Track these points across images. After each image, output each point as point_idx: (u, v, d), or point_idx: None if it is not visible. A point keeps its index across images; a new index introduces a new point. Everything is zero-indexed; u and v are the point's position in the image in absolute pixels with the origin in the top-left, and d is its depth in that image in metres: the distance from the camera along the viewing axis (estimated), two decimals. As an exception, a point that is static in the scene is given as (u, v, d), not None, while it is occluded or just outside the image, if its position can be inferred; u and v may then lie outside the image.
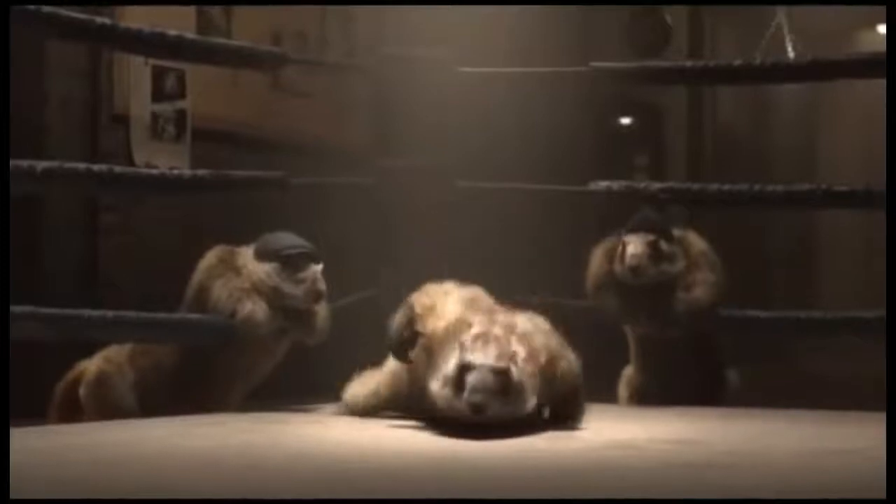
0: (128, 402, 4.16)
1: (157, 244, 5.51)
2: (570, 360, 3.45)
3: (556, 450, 3.12)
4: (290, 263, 4.09)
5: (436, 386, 3.30)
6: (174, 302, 4.25)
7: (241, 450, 3.19)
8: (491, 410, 3.18)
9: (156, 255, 5.45)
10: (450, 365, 3.27)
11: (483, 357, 3.21)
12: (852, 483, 2.68)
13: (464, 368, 3.22)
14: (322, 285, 4.10)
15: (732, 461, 2.97)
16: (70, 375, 4.27)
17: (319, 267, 4.11)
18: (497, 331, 3.29)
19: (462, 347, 3.25)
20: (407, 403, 3.61)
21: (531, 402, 3.28)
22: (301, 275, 4.09)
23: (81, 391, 4.21)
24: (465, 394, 3.18)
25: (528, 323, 3.42)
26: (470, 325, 3.32)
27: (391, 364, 3.67)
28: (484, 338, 3.26)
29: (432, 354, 3.38)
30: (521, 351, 3.27)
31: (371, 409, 3.74)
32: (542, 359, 3.34)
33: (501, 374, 3.20)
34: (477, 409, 3.17)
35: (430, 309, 3.53)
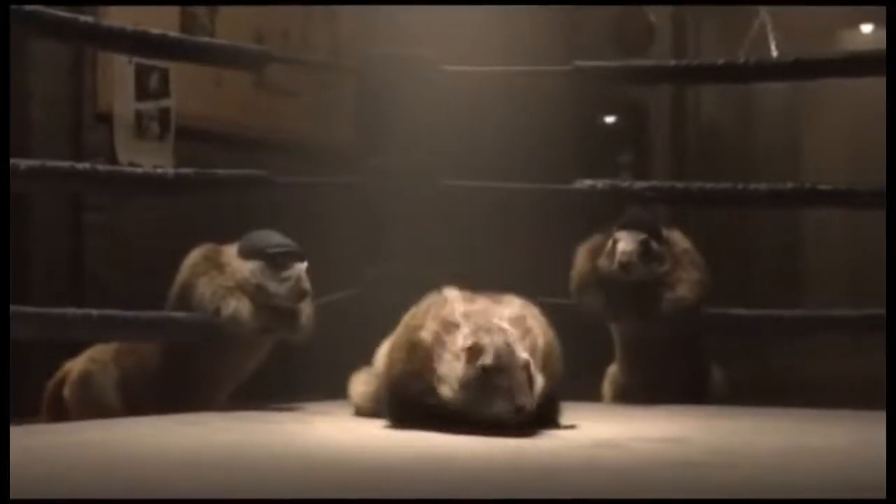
0: (112, 400, 4.15)
1: (142, 243, 5.50)
2: (560, 353, 3.44)
3: (541, 449, 3.12)
4: (275, 262, 4.09)
5: (448, 391, 3.23)
6: (159, 301, 4.25)
7: (225, 449, 3.18)
8: (530, 408, 3.16)
9: (140, 254, 5.44)
10: (456, 368, 3.21)
11: (508, 355, 3.16)
12: (838, 481, 2.68)
13: (489, 372, 3.16)
14: (306, 284, 4.09)
15: (717, 460, 2.97)
16: (57, 376, 4.26)
17: (304, 265, 4.10)
18: (502, 324, 3.25)
19: (475, 349, 3.18)
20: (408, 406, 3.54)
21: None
22: (285, 273, 4.08)
23: (66, 391, 4.20)
24: (502, 398, 3.13)
25: (523, 310, 3.39)
26: (457, 325, 3.27)
27: (383, 366, 3.63)
28: (491, 331, 3.21)
29: (426, 356, 3.33)
30: (526, 345, 3.25)
31: (374, 410, 3.71)
32: (540, 349, 3.31)
33: (527, 369, 3.19)
34: (520, 409, 3.14)
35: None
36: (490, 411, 3.17)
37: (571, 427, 3.42)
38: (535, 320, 3.41)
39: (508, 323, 3.29)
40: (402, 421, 3.42)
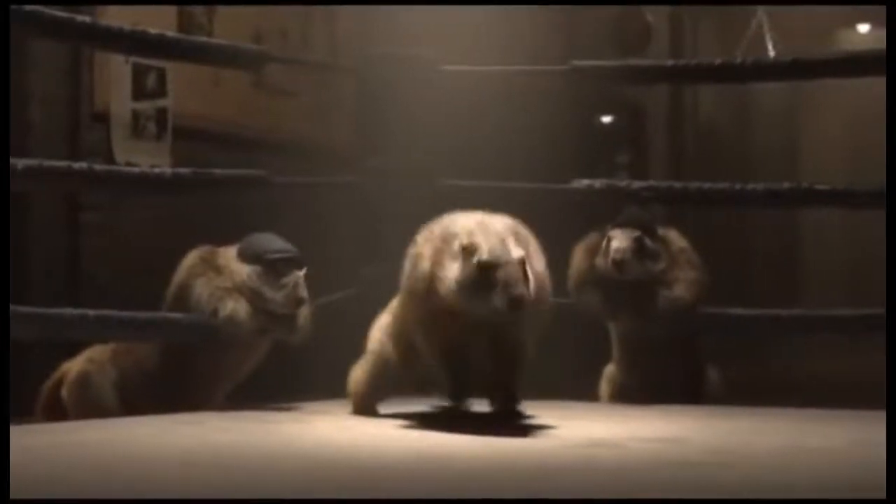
0: (110, 401, 4.15)
1: (139, 243, 5.49)
2: (548, 287, 3.48)
3: (538, 448, 3.12)
4: (273, 268, 4.08)
5: (447, 290, 3.28)
6: (156, 300, 4.25)
7: (224, 449, 3.19)
8: (526, 301, 3.20)
9: (138, 253, 5.44)
10: (454, 268, 3.26)
11: (503, 251, 3.22)
12: (836, 481, 2.69)
13: (485, 267, 3.21)
14: (303, 292, 4.09)
15: (715, 459, 2.97)
16: (54, 376, 4.26)
17: (302, 273, 4.10)
18: (496, 227, 3.33)
19: (470, 249, 3.24)
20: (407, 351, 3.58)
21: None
22: (283, 280, 4.08)
23: (64, 391, 4.20)
24: (500, 291, 3.18)
25: (517, 226, 3.45)
26: (455, 234, 3.33)
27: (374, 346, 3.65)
28: (486, 233, 3.27)
29: (430, 271, 3.37)
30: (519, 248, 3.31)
31: (372, 395, 3.72)
32: (534, 249, 3.41)
33: (522, 265, 3.24)
34: (517, 302, 3.18)
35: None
36: (487, 306, 3.21)
37: (568, 426, 3.42)
38: (527, 232, 3.48)
39: (504, 229, 3.35)
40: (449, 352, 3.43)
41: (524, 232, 3.46)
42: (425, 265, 3.38)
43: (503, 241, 3.27)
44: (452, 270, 3.28)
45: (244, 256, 4.13)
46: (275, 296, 4.08)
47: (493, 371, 3.44)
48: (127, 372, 4.20)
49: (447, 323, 3.35)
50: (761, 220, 10.70)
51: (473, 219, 3.42)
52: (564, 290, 4.47)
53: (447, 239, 3.36)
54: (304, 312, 4.19)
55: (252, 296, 4.09)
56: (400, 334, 3.61)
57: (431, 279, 3.35)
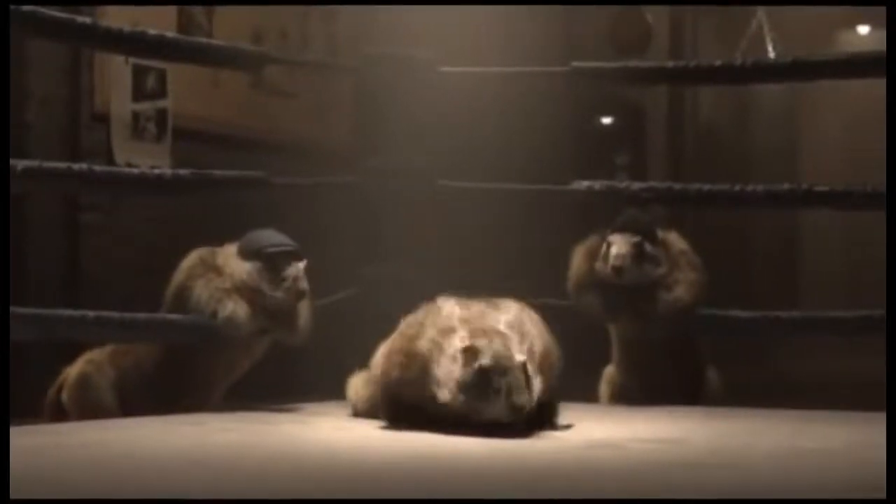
0: (109, 401, 4.15)
1: (139, 243, 5.49)
2: (558, 356, 3.44)
3: (539, 449, 3.12)
4: (273, 262, 4.08)
5: (446, 394, 3.23)
6: (155, 300, 4.25)
7: (224, 449, 3.19)
8: (528, 408, 3.16)
9: (137, 253, 5.44)
10: (454, 371, 3.20)
11: (506, 355, 3.16)
12: (835, 482, 2.69)
13: (487, 372, 3.15)
14: (304, 284, 4.09)
15: (714, 460, 2.98)
16: (57, 383, 4.25)
17: (302, 265, 4.10)
18: (498, 328, 3.26)
19: (472, 351, 3.18)
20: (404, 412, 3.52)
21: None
22: (283, 273, 4.08)
23: (64, 395, 4.20)
24: (503, 397, 3.13)
25: (521, 314, 3.39)
26: (454, 329, 3.27)
27: (380, 371, 3.60)
28: (488, 333, 3.21)
29: (423, 363, 3.32)
30: (523, 349, 3.25)
31: (372, 413, 3.71)
32: (538, 352, 3.32)
33: (525, 370, 3.19)
34: (519, 409, 3.14)
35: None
36: (488, 412, 3.17)
37: (568, 427, 3.42)
38: (533, 324, 3.41)
39: (505, 326, 3.29)
40: (397, 426, 3.42)
41: (527, 315, 3.40)
42: (422, 353, 3.30)
43: (505, 344, 3.20)
44: (452, 372, 3.22)
45: (244, 253, 4.13)
46: (275, 292, 4.08)
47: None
48: (126, 372, 4.20)
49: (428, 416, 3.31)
50: (761, 221, 10.70)
51: (475, 311, 3.35)
52: (564, 291, 4.47)
53: (445, 333, 3.28)
54: (303, 313, 4.19)
55: (252, 295, 4.09)
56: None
57: (426, 375, 3.28)
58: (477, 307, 3.39)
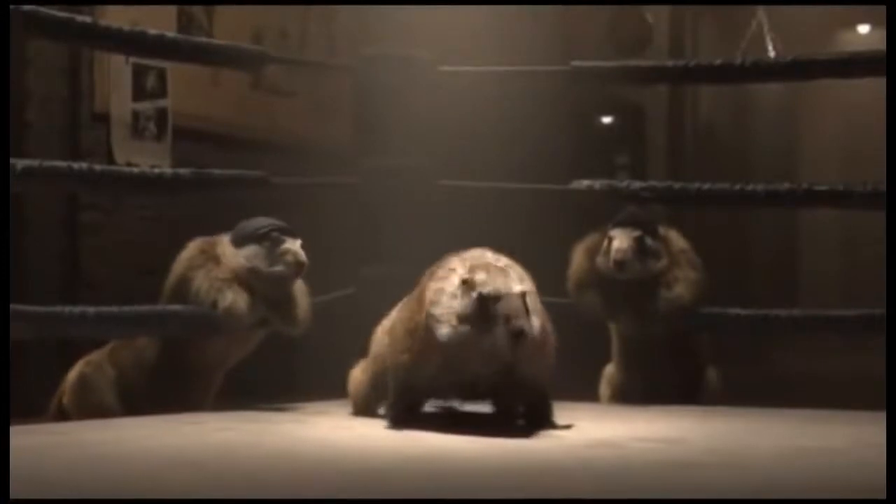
0: (110, 399, 4.15)
1: (138, 242, 5.50)
2: (551, 332, 3.45)
3: (538, 449, 3.12)
4: (268, 240, 4.08)
5: (447, 328, 3.22)
6: (155, 299, 4.24)
7: (224, 449, 3.19)
8: (528, 335, 3.17)
9: (137, 254, 5.44)
10: (454, 304, 3.21)
11: (504, 284, 3.18)
12: (836, 482, 2.69)
13: (485, 300, 3.16)
14: (303, 256, 4.07)
15: (714, 460, 2.98)
16: (59, 392, 4.25)
17: (298, 241, 4.09)
18: (496, 262, 3.28)
19: (470, 283, 3.19)
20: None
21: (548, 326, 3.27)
22: (281, 248, 4.07)
23: (65, 398, 4.20)
24: (502, 324, 3.14)
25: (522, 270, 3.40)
26: (454, 270, 3.29)
27: (386, 347, 3.61)
28: (487, 268, 3.23)
29: (427, 332, 3.31)
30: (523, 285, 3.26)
31: (371, 398, 3.72)
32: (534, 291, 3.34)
33: (524, 298, 3.20)
34: (518, 334, 3.14)
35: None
36: (489, 340, 3.16)
37: (568, 427, 3.42)
38: (525, 273, 3.41)
39: (505, 265, 3.31)
40: (402, 421, 3.42)
41: (522, 273, 3.40)
42: (422, 332, 3.30)
43: (504, 274, 3.23)
44: (452, 306, 3.23)
45: (237, 241, 4.12)
46: (274, 267, 4.07)
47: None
48: (125, 369, 4.20)
49: (435, 372, 3.31)
50: (761, 221, 10.70)
51: (472, 254, 3.38)
52: (564, 290, 4.47)
53: (446, 276, 3.30)
54: (303, 305, 4.18)
55: (253, 278, 4.08)
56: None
57: (428, 319, 3.28)
58: (475, 251, 3.40)
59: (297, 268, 4.08)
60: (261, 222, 4.14)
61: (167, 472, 2.77)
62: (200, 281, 4.10)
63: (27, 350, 4.32)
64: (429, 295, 3.32)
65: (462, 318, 3.20)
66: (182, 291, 4.13)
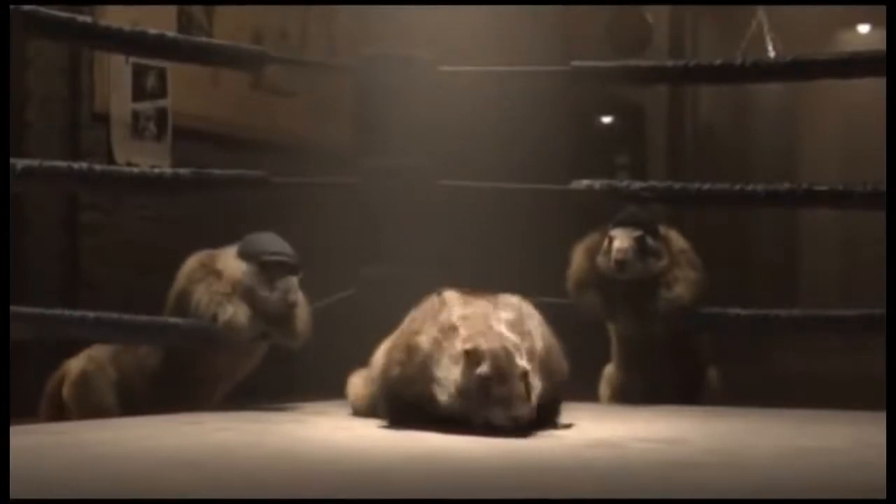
0: (110, 401, 4.15)
1: (138, 242, 5.50)
2: (560, 352, 3.43)
3: (538, 449, 3.12)
4: (267, 270, 4.08)
5: (445, 396, 3.22)
6: (155, 299, 4.24)
7: (223, 449, 3.19)
8: (528, 418, 3.15)
9: (137, 254, 5.44)
10: (454, 373, 3.19)
11: (507, 362, 3.14)
12: (836, 482, 2.69)
13: (487, 382, 3.13)
14: (294, 297, 4.08)
15: (714, 460, 2.97)
16: (57, 374, 4.26)
17: (295, 279, 4.09)
18: (500, 329, 3.23)
19: (473, 356, 3.16)
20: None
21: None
22: (276, 283, 4.07)
23: (64, 390, 4.20)
24: (499, 407, 3.12)
25: (522, 311, 3.37)
26: (455, 329, 3.25)
27: (380, 368, 3.59)
28: (493, 339, 3.18)
29: (424, 361, 3.31)
30: (523, 349, 3.22)
31: (371, 411, 3.70)
32: (539, 351, 3.30)
33: (526, 379, 3.17)
34: (517, 420, 3.13)
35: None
36: (487, 420, 3.16)
37: (568, 427, 3.42)
38: (533, 321, 3.40)
39: (506, 326, 3.27)
40: (397, 424, 3.42)
41: (528, 312, 3.38)
42: (423, 350, 3.29)
43: (507, 351, 3.17)
44: (452, 374, 3.20)
45: (243, 255, 4.13)
46: (268, 295, 4.08)
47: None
48: (127, 373, 4.20)
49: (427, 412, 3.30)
50: (761, 221, 10.70)
51: (477, 309, 3.32)
52: (564, 290, 4.47)
53: (447, 333, 3.26)
54: (303, 317, 4.18)
55: (250, 296, 4.09)
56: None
57: (426, 374, 3.27)
58: (479, 304, 3.36)
59: (286, 308, 4.09)
60: (269, 246, 4.12)
61: (167, 472, 2.77)
62: (201, 294, 4.10)
63: (27, 350, 4.31)
64: (427, 346, 3.28)
65: (461, 392, 3.19)
66: (183, 305, 4.13)
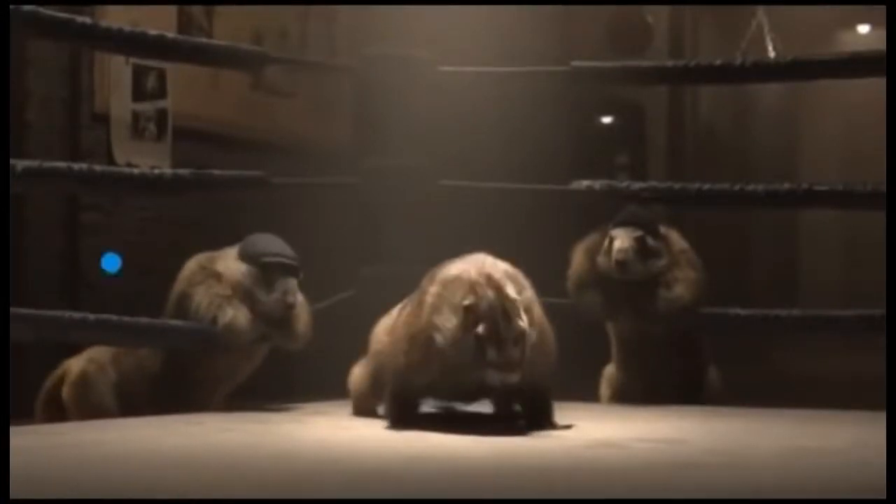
0: (109, 402, 4.15)
1: (139, 243, 5.49)
2: (552, 335, 3.45)
3: (538, 449, 3.12)
4: (267, 272, 4.08)
5: (442, 340, 3.25)
6: (154, 300, 4.24)
7: (223, 449, 3.19)
8: (517, 381, 3.20)
9: (137, 254, 5.44)
10: (453, 322, 3.22)
11: (505, 322, 3.18)
12: (836, 482, 2.69)
13: (483, 341, 3.17)
14: (293, 299, 4.07)
15: (715, 460, 2.98)
16: (56, 374, 4.26)
17: (295, 280, 4.09)
18: (500, 280, 3.26)
19: (472, 310, 3.19)
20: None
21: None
22: (276, 285, 4.07)
23: (64, 391, 4.20)
24: (495, 366, 3.17)
25: (520, 278, 3.39)
26: (459, 282, 3.27)
27: (383, 347, 3.62)
28: (491, 300, 3.21)
29: (427, 340, 3.32)
30: (520, 304, 3.26)
31: (371, 394, 3.72)
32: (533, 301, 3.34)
33: (522, 339, 3.20)
34: (508, 381, 3.18)
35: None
36: (480, 374, 3.20)
37: (568, 427, 3.42)
38: (525, 281, 3.41)
39: (505, 275, 3.29)
40: (399, 422, 3.43)
41: (522, 282, 3.40)
42: (423, 339, 3.32)
43: (506, 313, 3.20)
44: (451, 322, 3.24)
45: (243, 256, 4.13)
46: (266, 297, 4.08)
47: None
48: (127, 375, 4.20)
49: (435, 375, 3.33)
50: (761, 221, 10.70)
51: (473, 261, 3.35)
52: (564, 290, 4.47)
53: (449, 286, 3.30)
54: (303, 319, 4.18)
55: (250, 298, 4.09)
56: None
57: (429, 326, 3.30)
58: (482, 265, 3.36)
59: (284, 310, 4.09)
60: (269, 248, 4.12)
61: (167, 472, 2.77)
62: (201, 297, 4.10)
63: (27, 350, 4.31)
64: (430, 300, 3.32)
65: (457, 345, 3.23)
66: (183, 308, 4.13)
